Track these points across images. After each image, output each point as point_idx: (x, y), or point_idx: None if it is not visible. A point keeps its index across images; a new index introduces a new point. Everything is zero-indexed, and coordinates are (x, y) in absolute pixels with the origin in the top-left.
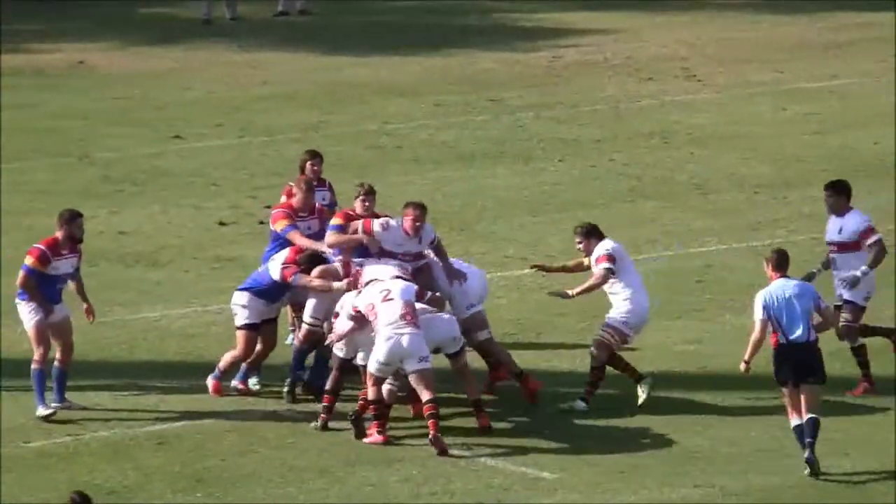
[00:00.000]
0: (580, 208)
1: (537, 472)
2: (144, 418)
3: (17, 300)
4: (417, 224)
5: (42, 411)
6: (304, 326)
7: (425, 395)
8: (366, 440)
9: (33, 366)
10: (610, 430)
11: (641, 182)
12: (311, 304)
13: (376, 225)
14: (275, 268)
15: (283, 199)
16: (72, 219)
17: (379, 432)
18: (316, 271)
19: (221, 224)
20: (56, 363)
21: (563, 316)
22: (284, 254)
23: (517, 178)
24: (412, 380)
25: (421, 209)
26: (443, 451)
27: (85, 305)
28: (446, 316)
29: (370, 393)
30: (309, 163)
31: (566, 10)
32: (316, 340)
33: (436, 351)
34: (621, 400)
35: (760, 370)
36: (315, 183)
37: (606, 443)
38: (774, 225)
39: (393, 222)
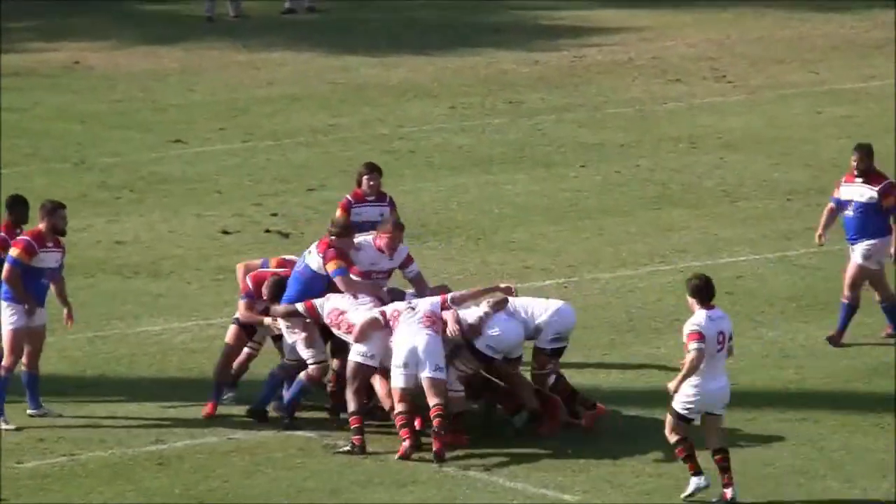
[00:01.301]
0: (604, 216)
1: (559, 495)
2: (144, 438)
3: None
4: (393, 246)
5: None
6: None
7: (434, 400)
8: (400, 455)
9: (0, 372)
10: (636, 450)
11: (668, 188)
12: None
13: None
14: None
15: (339, 211)
16: (54, 210)
17: (407, 438)
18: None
19: (225, 233)
20: (24, 368)
21: (589, 329)
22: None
23: (537, 184)
24: (424, 385)
25: (400, 230)
26: (440, 456)
27: (65, 310)
28: (515, 321)
29: (397, 406)
30: (365, 177)
31: (589, 8)
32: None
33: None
34: (646, 420)
35: (793, 387)
36: (373, 198)
37: (631, 464)
38: (808, 234)
39: (362, 240)
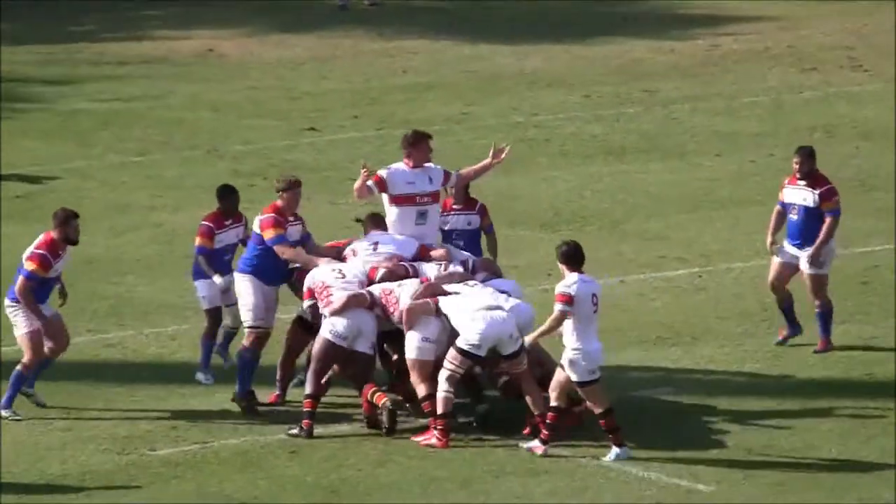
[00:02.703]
0: (738, 206)
1: (693, 485)
2: (277, 425)
3: (7, 303)
4: (424, 158)
5: (6, 414)
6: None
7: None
8: (419, 439)
9: (19, 368)
10: (771, 440)
11: None
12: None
13: (382, 170)
14: None
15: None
16: (67, 220)
17: (440, 430)
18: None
19: (358, 221)
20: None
21: (723, 319)
22: None
23: (671, 173)
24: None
25: (426, 138)
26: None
27: (58, 285)
28: (502, 314)
29: (421, 389)
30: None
31: None
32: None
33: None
34: (781, 412)
35: None
36: (459, 206)
37: (766, 454)
38: None
39: (394, 165)
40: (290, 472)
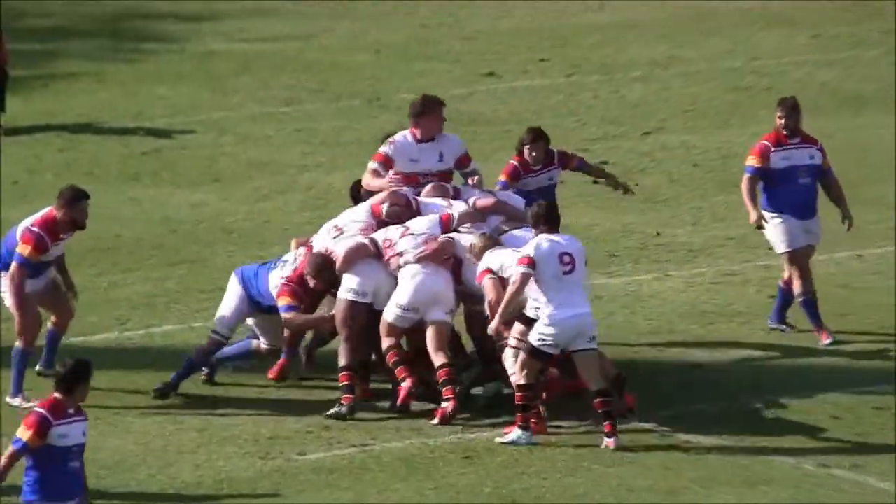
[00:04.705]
0: None
1: None
2: (448, 427)
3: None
4: (431, 133)
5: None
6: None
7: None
8: (402, 403)
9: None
10: None
11: None
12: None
13: (384, 147)
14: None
15: (502, 175)
16: (74, 201)
17: (406, 376)
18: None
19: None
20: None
21: None
22: None
23: None
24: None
25: (440, 105)
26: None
27: (56, 275)
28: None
29: (385, 341)
30: (526, 147)
31: None
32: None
33: None
34: None
35: None
36: (539, 167)
37: None
38: None
39: (399, 137)
40: (464, 481)
